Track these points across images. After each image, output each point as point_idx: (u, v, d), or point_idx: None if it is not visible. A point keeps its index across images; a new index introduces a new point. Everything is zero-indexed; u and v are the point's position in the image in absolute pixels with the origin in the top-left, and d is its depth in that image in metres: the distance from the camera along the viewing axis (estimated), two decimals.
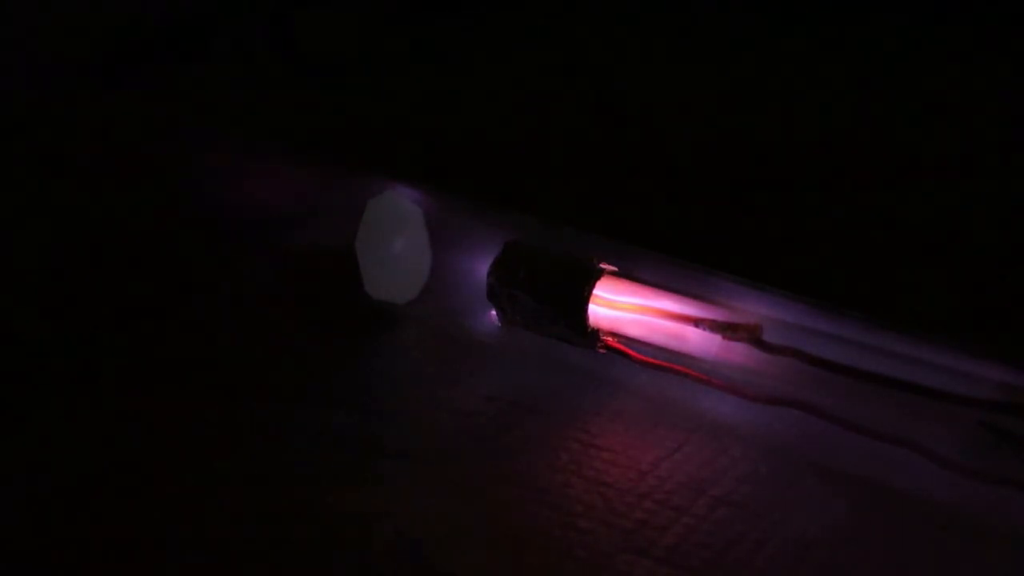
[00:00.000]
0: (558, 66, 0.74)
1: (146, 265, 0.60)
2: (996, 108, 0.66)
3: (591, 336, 0.48)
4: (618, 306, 0.48)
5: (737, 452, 0.45)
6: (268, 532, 0.42)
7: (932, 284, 0.53)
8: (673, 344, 0.47)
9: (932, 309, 0.51)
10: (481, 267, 0.50)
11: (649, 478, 0.44)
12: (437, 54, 0.74)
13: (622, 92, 0.71)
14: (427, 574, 0.41)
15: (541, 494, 0.43)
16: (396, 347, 0.53)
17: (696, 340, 0.46)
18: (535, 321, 0.49)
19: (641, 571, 0.40)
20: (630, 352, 0.47)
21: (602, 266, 0.48)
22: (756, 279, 0.46)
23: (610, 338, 0.48)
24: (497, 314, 0.50)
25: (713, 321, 0.45)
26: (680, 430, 0.46)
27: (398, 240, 0.52)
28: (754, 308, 0.45)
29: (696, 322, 0.46)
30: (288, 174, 0.60)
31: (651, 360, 0.47)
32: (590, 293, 0.48)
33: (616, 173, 0.64)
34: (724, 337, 0.45)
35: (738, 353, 0.45)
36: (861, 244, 0.57)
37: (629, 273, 0.48)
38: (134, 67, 0.73)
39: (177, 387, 0.51)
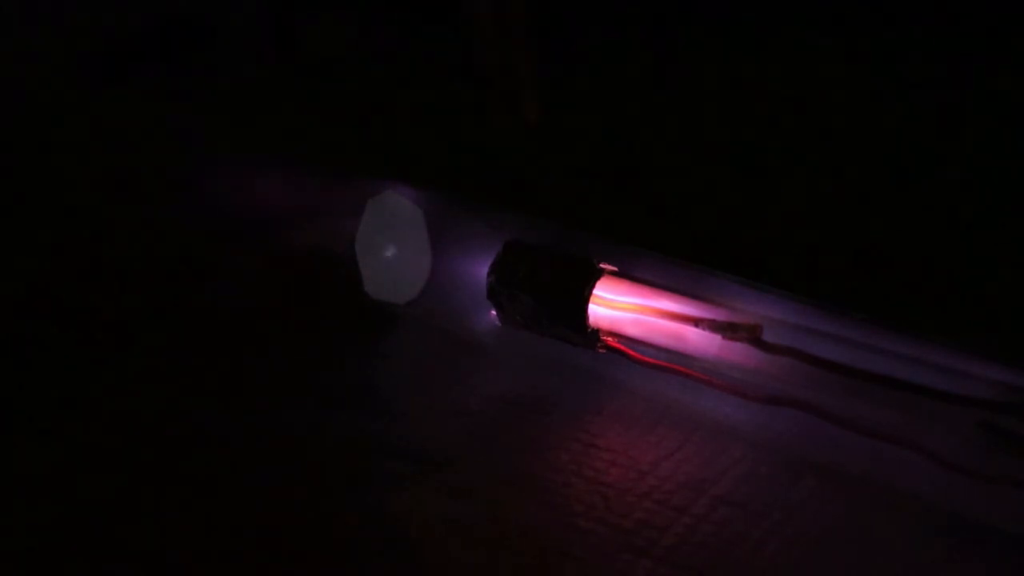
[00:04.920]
0: (558, 66, 0.74)
1: (145, 266, 0.60)
2: (999, 112, 0.66)
3: (591, 336, 0.48)
4: (618, 306, 0.48)
5: (737, 452, 0.45)
6: (268, 532, 0.42)
7: (932, 285, 0.53)
8: (673, 344, 0.47)
9: (932, 309, 0.51)
10: (481, 267, 0.50)
11: (649, 478, 0.44)
12: (437, 55, 0.74)
13: (622, 92, 0.72)
14: (427, 574, 0.41)
15: (541, 494, 0.43)
16: (396, 347, 0.53)
17: (696, 340, 0.46)
18: (535, 321, 0.49)
19: (641, 571, 0.40)
20: (630, 352, 0.47)
21: (602, 266, 0.48)
22: (756, 279, 0.46)
23: (610, 338, 0.48)
24: (497, 314, 0.50)
25: (713, 321, 0.45)
26: (680, 430, 0.46)
27: (398, 240, 0.52)
28: (754, 308, 0.45)
29: (696, 322, 0.46)
30: (288, 175, 0.60)
31: (651, 360, 0.47)
32: (590, 293, 0.48)
33: (616, 173, 0.64)
34: (724, 337, 0.45)
35: (738, 353, 0.45)
36: (861, 244, 0.57)
37: (629, 273, 0.48)
38: (134, 67, 0.73)
39: (176, 388, 0.51)
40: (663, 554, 0.40)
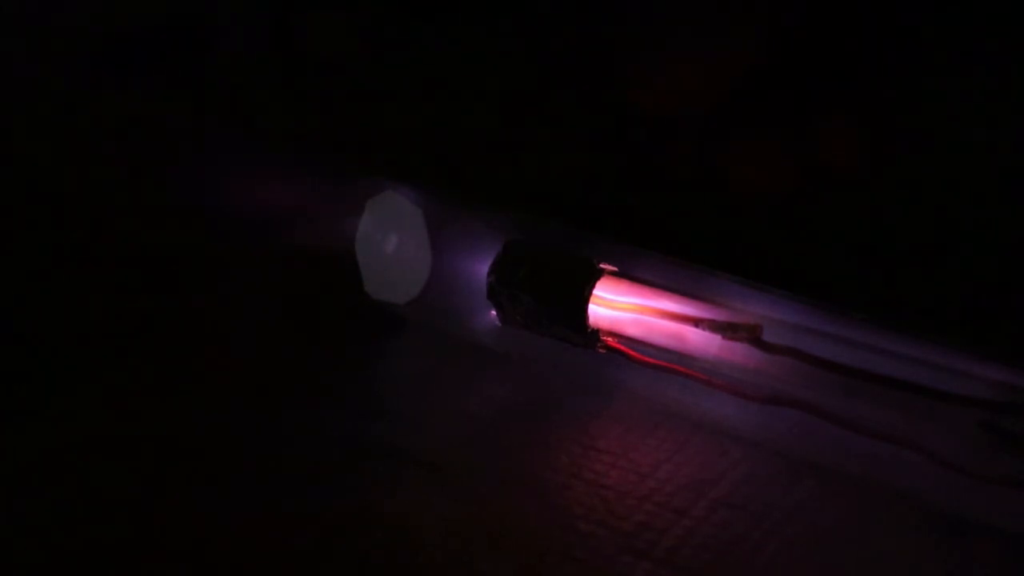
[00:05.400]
0: (558, 66, 0.74)
1: (145, 266, 0.60)
2: (996, 107, 0.65)
3: (591, 336, 0.48)
4: (618, 306, 0.48)
5: (737, 453, 0.45)
6: (267, 533, 0.43)
7: (932, 284, 0.53)
8: (673, 344, 0.47)
9: (932, 309, 0.51)
10: (481, 267, 0.50)
11: (649, 480, 0.44)
12: (438, 55, 0.74)
13: (622, 92, 0.71)
14: (427, 574, 0.41)
15: (541, 496, 0.43)
16: (396, 348, 0.53)
17: (696, 340, 0.46)
18: (535, 321, 0.49)
19: (641, 573, 0.40)
20: (630, 352, 0.47)
21: (602, 266, 0.48)
22: (756, 279, 0.46)
23: (610, 338, 0.48)
24: (497, 314, 0.50)
25: (713, 321, 0.45)
26: (680, 431, 0.46)
27: (398, 240, 0.52)
28: (754, 308, 0.45)
29: (696, 322, 0.46)
30: (288, 174, 0.60)
31: (651, 360, 0.47)
32: (590, 293, 0.48)
33: (616, 173, 0.64)
34: (724, 337, 0.45)
35: (738, 353, 0.45)
36: (861, 244, 0.56)
37: (629, 273, 0.48)
38: (133, 66, 0.73)
39: (174, 389, 0.51)
40: (663, 556, 0.40)
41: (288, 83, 0.71)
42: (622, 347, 0.48)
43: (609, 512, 0.42)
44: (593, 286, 0.48)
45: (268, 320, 0.55)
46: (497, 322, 0.51)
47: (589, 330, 0.48)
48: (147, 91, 0.69)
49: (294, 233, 0.58)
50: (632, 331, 0.48)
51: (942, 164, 0.61)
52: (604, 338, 0.48)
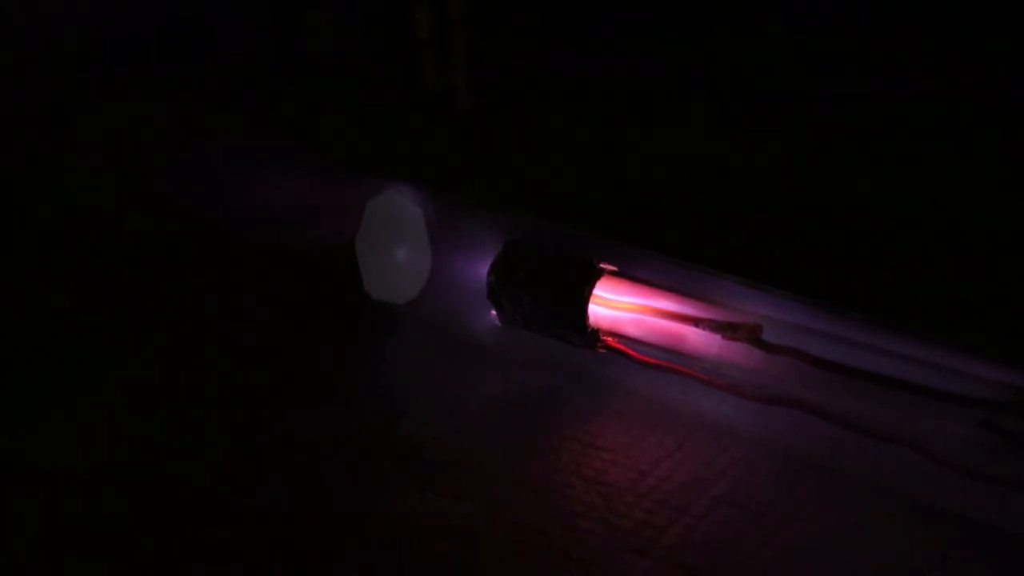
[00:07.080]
0: (557, 66, 0.74)
1: (145, 265, 0.60)
2: (996, 109, 0.66)
3: (591, 336, 0.48)
4: (618, 306, 0.48)
5: (737, 452, 0.45)
6: (266, 532, 0.42)
7: (931, 284, 0.53)
8: (673, 344, 0.47)
9: (932, 309, 0.51)
10: (481, 267, 0.50)
11: (649, 478, 0.44)
12: (437, 55, 0.74)
13: (621, 92, 0.72)
14: (427, 574, 0.40)
15: (541, 494, 0.43)
16: (396, 347, 0.53)
17: (696, 340, 0.46)
18: (535, 321, 0.49)
19: (641, 571, 0.40)
20: (630, 352, 0.47)
21: (602, 266, 0.48)
22: (756, 279, 0.46)
23: (610, 338, 0.48)
24: (497, 314, 0.50)
25: (713, 321, 0.45)
26: (680, 430, 0.46)
27: (398, 240, 0.52)
28: (754, 308, 0.45)
29: (696, 322, 0.46)
30: (288, 174, 0.60)
31: (651, 360, 0.47)
32: (590, 293, 0.48)
33: (616, 172, 0.64)
34: (724, 337, 0.45)
35: (738, 353, 0.45)
36: (861, 244, 0.57)
37: (629, 273, 0.48)
38: (135, 67, 0.73)
39: (176, 387, 0.51)
40: (663, 554, 0.40)
41: (289, 83, 0.71)
42: (622, 347, 0.48)
43: (609, 510, 0.42)
44: (593, 286, 0.48)
45: (268, 320, 0.55)
46: (497, 322, 0.51)
47: (589, 330, 0.48)
48: (149, 91, 0.69)
49: (294, 233, 0.58)
50: (632, 331, 0.47)
51: (940, 164, 0.62)
52: (604, 338, 0.48)
